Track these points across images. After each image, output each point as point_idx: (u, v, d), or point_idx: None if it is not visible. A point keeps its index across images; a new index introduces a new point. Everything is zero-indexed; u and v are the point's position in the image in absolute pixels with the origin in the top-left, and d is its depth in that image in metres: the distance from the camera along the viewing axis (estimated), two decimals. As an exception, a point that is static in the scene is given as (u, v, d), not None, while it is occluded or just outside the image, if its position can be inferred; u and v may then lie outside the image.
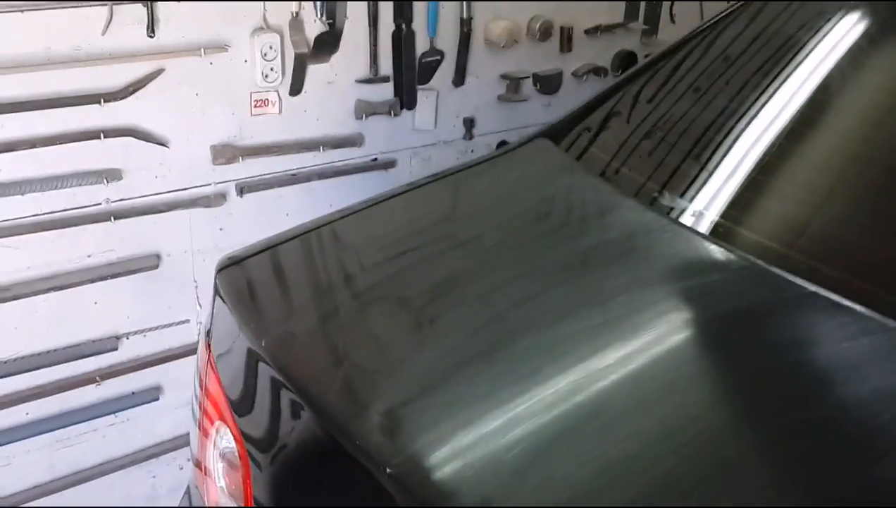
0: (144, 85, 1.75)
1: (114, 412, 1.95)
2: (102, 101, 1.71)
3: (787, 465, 0.77)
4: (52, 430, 1.89)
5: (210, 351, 1.18)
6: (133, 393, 1.97)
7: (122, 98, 1.73)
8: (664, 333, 0.94)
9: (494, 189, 1.34)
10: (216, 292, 1.20)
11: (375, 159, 2.12)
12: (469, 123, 2.24)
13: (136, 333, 1.93)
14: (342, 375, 1.03)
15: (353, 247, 1.31)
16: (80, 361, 1.88)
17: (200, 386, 1.21)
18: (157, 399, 2.00)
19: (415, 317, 1.09)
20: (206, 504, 1.19)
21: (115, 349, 1.91)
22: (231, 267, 1.21)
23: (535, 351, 0.95)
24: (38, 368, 1.84)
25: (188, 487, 1.36)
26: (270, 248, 1.27)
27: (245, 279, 1.23)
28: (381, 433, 0.89)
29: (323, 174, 2.04)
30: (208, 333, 1.21)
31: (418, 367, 1.00)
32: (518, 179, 1.35)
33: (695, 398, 0.86)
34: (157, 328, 1.94)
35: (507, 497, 0.79)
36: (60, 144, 1.71)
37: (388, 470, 0.82)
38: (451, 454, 0.85)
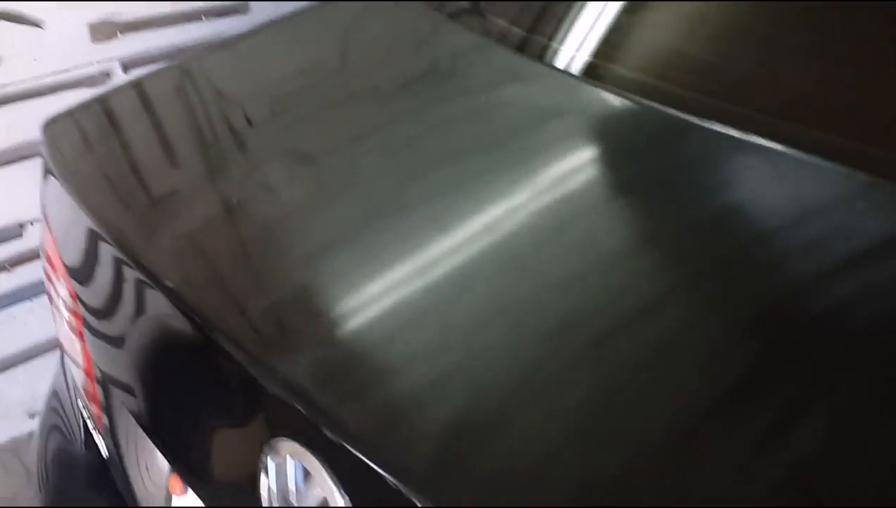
0: (5, -36, 1.72)
1: (29, 299, 2.00)
2: (-38, -16, 1.69)
3: (700, 303, 0.75)
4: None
5: (47, 222, 1.18)
6: (47, 279, 2.00)
7: (-18, -20, 1.71)
8: (558, 179, 0.91)
9: (351, 33, 1.31)
10: (44, 155, 1.13)
11: (267, 27, 2.09)
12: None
13: (39, 219, 1.95)
14: (198, 247, 0.94)
15: (212, 94, 1.24)
16: (-13, 250, 1.92)
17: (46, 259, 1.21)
18: (74, 284, 2.03)
19: (289, 173, 1.01)
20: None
21: (20, 236, 1.94)
22: (61, 122, 1.17)
23: (427, 202, 0.89)
24: (-57, 260, 1.87)
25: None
26: (108, 99, 1.22)
27: (79, 137, 1.18)
28: (255, 314, 0.83)
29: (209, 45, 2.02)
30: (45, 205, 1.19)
31: (299, 230, 0.92)
32: (382, 26, 1.32)
33: (596, 243, 0.82)
34: (61, 213, 1.96)
35: (408, 346, 0.76)
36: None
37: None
38: (342, 317, 0.80)
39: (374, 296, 0.81)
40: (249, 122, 1.12)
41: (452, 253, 0.82)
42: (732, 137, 0.87)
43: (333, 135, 1.06)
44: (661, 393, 0.65)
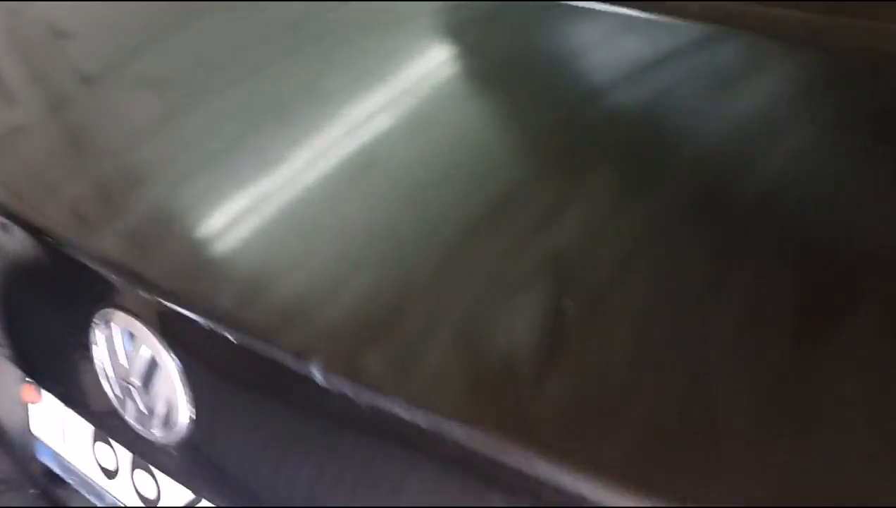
0: None
1: None
2: None
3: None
4: None
5: None
6: None
7: None
8: (419, 72, 0.92)
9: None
10: None
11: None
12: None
13: None
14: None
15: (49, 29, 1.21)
16: None
17: None
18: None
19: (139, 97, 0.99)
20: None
21: None
22: None
23: (290, 116, 0.89)
24: None
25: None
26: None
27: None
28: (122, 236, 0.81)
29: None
30: None
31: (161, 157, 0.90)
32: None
33: (469, 129, 0.83)
34: None
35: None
36: None
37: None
38: (207, 242, 0.80)
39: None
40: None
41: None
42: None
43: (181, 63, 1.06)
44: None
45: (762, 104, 0.77)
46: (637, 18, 0.87)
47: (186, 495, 0.84)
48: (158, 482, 0.88)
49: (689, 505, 0.52)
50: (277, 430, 0.71)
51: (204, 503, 0.82)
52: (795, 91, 0.79)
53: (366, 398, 0.62)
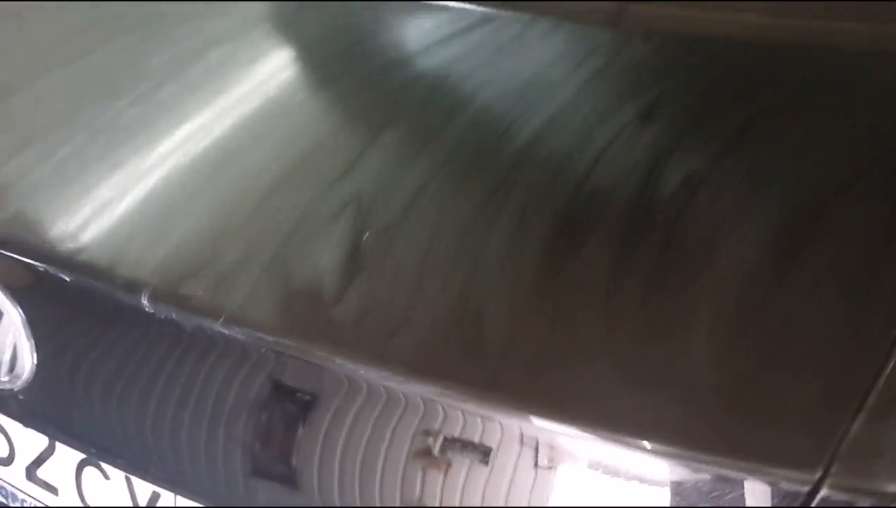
0: None
1: None
2: None
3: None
4: None
5: None
6: None
7: None
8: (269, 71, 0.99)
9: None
10: None
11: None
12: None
13: None
14: None
15: None
16: None
17: None
18: None
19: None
20: None
21: None
22: None
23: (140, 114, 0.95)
24: None
25: None
26: None
27: None
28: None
29: None
30: None
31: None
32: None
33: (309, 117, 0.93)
34: None
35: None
36: None
37: None
38: (42, 196, 0.86)
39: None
40: None
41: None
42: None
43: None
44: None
45: (528, 75, 0.92)
46: (431, 5, 1.02)
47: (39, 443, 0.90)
48: (9, 435, 0.93)
49: (454, 385, 0.64)
50: (116, 364, 0.79)
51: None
52: (554, 64, 0.94)
53: (189, 321, 0.72)
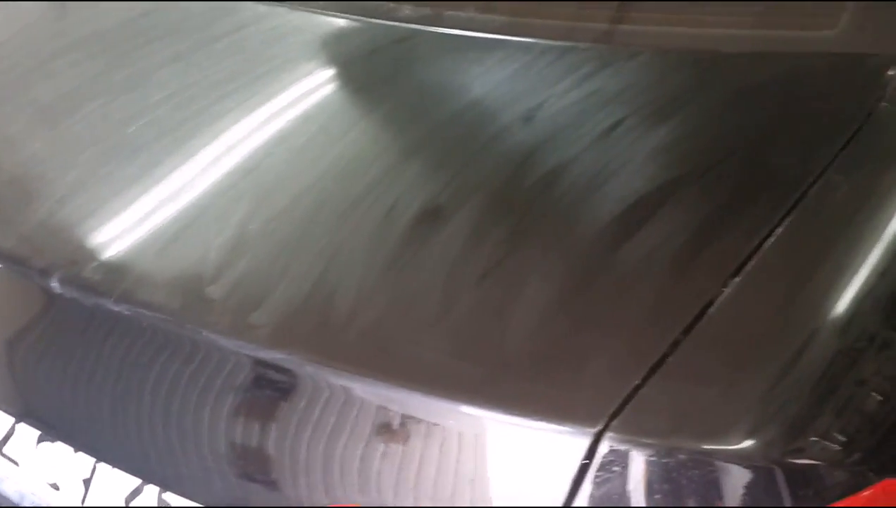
0: None
1: None
2: None
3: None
4: None
5: None
6: None
7: None
8: (284, 95, 1.05)
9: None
10: None
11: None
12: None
13: None
14: None
15: None
16: None
17: None
18: None
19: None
20: None
21: None
22: None
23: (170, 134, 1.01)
24: None
25: None
26: None
27: None
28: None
29: None
30: None
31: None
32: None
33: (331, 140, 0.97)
34: None
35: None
36: None
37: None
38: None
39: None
40: None
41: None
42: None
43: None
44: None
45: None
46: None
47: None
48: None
49: (300, 353, 0.72)
50: (33, 345, 0.88)
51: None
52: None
53: (89, 300, 0.81)
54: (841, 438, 0.64)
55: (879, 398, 0.67)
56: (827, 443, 0.63)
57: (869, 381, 0.67)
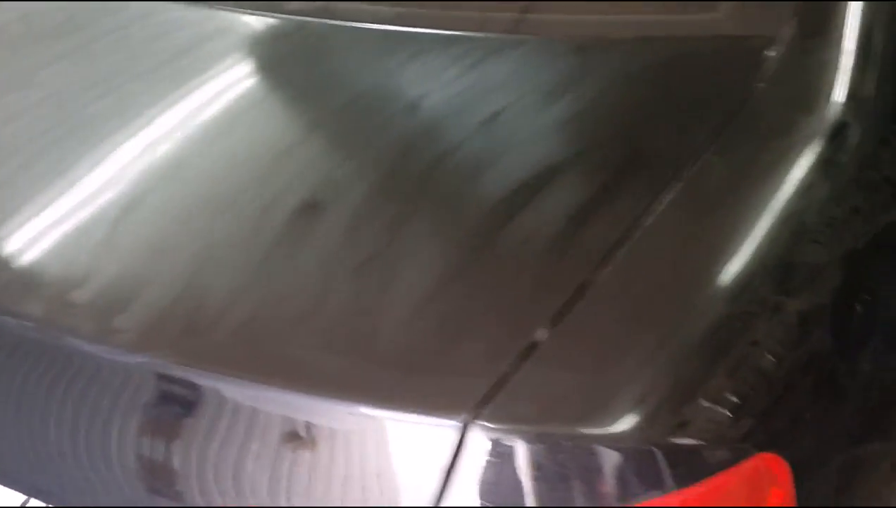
0: None
1: None
2: None
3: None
4: None
5: None
6: None
7: None
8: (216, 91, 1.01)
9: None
10: None
11: None
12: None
13: None
14: None
15: None
16: None
17: None
18: None
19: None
20: None
21: None
22: None
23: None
24: None
25: None
26: None
27: None
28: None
29: None
30: None
31: None
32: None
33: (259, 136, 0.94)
34: None
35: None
36: None
37: None
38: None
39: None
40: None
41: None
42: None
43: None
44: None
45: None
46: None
47: None
48: None
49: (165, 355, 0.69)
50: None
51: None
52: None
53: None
54: (723, 412, 0.63)
55: (762, 372, 0.67)
56: (707, 423, 0.63)
57: (746, 362, 0.67)
